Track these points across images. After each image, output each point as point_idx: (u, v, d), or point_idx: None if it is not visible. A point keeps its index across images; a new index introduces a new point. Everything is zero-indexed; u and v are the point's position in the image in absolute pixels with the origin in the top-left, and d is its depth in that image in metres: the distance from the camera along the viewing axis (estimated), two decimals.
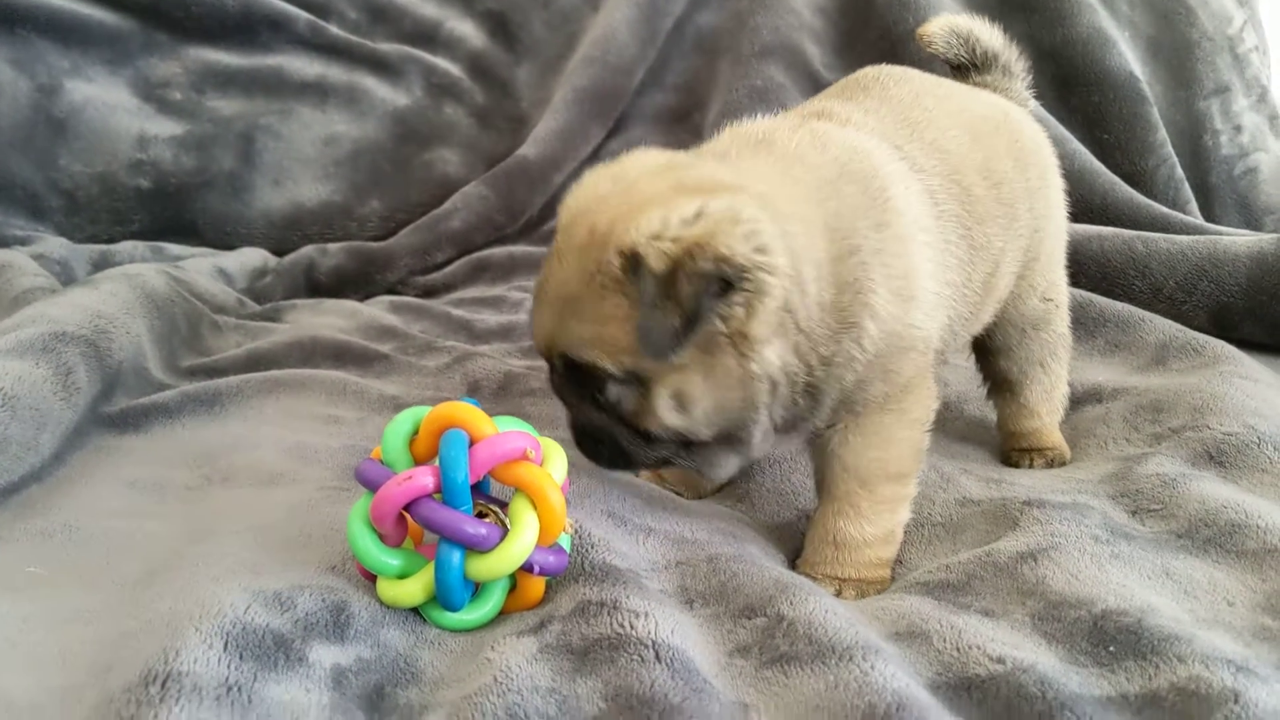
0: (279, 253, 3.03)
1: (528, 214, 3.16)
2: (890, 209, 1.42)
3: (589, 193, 1.37)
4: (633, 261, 1.23)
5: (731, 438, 1.37)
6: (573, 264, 1.30)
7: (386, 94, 3.32)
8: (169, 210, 3.10)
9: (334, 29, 3.35)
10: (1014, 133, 1.76)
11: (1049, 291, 1.87)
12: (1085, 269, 2.55)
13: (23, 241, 2.90)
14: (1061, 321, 1.91)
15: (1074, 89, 3.15)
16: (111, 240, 3.03)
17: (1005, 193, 1.66)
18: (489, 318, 2.57)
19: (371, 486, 1.27)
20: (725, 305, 1.24)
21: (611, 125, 3.29)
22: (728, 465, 1.43)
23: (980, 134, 1.67)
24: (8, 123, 3.04)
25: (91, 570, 1.39)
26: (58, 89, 3.10)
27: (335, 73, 3.32)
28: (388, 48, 3.38)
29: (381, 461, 1.31)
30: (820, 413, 1.42)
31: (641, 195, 1.31)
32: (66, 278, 2.68)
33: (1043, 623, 1.28)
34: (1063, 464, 1.89)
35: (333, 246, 2.96)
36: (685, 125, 3.33)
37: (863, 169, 1.44)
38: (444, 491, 1.22)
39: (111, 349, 1.88)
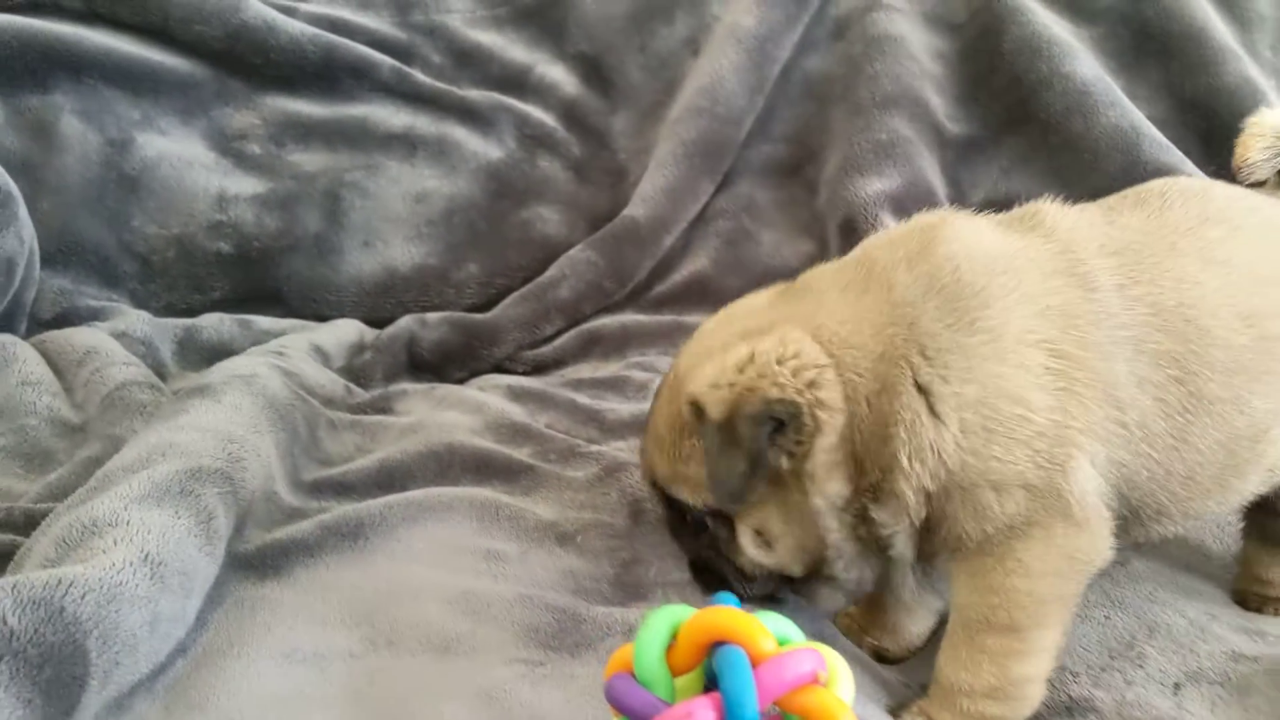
0: (372, 322, 2.80)
1: (636, 279, 2.92)
2: (978, 327, 1.28)
3: (697, 335, 1.50)
4: (698, 410, 1.31)
5: (820, 573, 1.38)
6: (663, 405, 1.43)
7: (478, 146, 3.09)
8: (252, 276, 2.86)
9: (419, 75, 3.12)
10: None
11: None
12: None
13: (97, 314, 2.67)
14: None
15: (1223, 141, 2.92)
16: (190, 310, 2.80)
17: None
18: (618, 406, 2.34)
19: (636, 717, 1.05)
20: (785, 442, 1.27)
21: (719, 180, 3.06)
22: (831, 599, 1.45)
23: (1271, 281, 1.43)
24: (76, 179, 2.81)
25: None
26: (129, 143, 2.87)
27: (423, 123, 3.08)
28: (477, 95, 3.15)
29: (634, 676, 1.09)
30: (903, 549, 1.37)
31: (710, 343, 1.41)
32: (152, 360, 2.46)
33: None
34: None
35: (432, 317, 2.73)
36: (797, 179, 3.10)
37: (958, 283, 1.31)
38: None
39: (245, 479, 1.65)
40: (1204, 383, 1.36)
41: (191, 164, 2.91)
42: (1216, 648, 1.52)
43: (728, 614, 1.06)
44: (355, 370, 2.53)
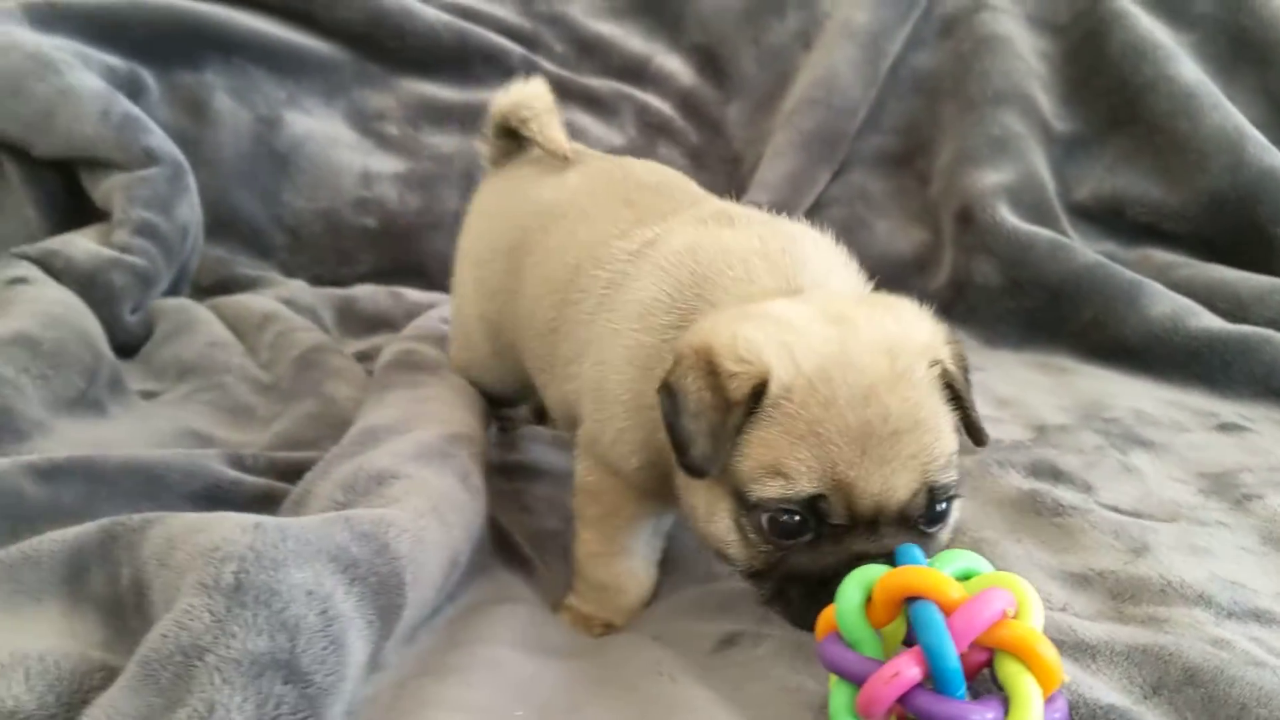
0: None
1: None
2: None
3: (817, 344, 1.25)
4: (946, 374, 1.30)
5: None
6: (897, 391, 1.23)
7: (602, 132, 3.24)
8: (396, 251, 3.01)
9: (545, 63, 3.26)
10: None
11: None
12: None
13: (254, 283, 2.82)
14: None
15: None
16: (338, 281, 2.95)
17: None
18: None
19: (850, 677, 1.16)
20: None
21: (836, 169, 3.20)
22: None
23: None
24: (230, 154, 2.96)
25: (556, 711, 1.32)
26: (278, 121, 3.02)
27: None
28: (599, 83, 3.30)
29: (840, 637, 1.19)
30: None
31: (879, 324, 1.30)
32: (317, 327, 2.60)
33: None
34: None
35: None
36: (909, 170, 3.24)
37: None
38: (936, 681, 1.10)
39: (486, 446, 1.79)
40: None
41: (336, 142, 3.06)
42: None
43: (913, 572, 1.16)
44: None
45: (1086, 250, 2.86)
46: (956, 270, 3.00)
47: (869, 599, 1.19)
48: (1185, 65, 3.11)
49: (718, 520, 1.31)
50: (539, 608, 1.63)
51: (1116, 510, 1.89)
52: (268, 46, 3.06)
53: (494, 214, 2.04)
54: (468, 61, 3.19)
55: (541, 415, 2.31)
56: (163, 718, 1.02)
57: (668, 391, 1.28)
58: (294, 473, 1.75)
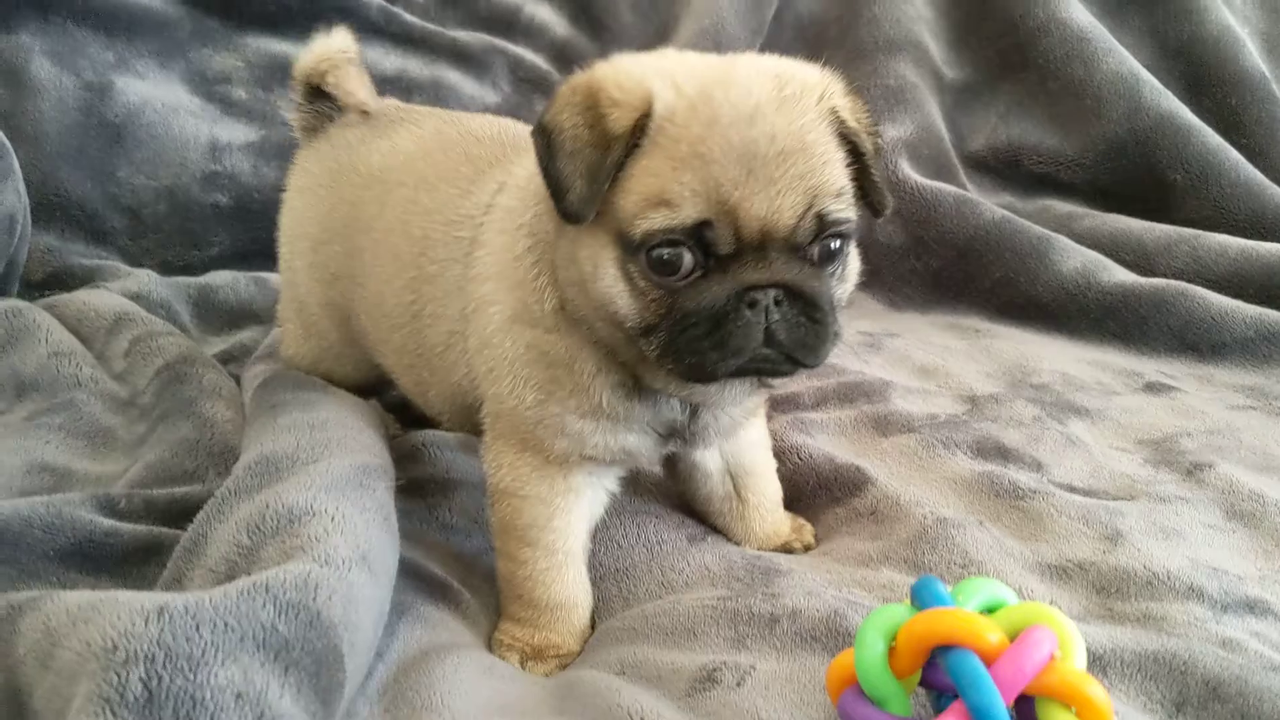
0: None
1: None
2: None
3: (701, 70, 1.25)
4: (840, 120, 1.25)
5: None
6: (783, 113, 1.20)
7: (473, 90, 2.98)
8: (253, 230, 2.69)
9: (406, 15, 2.98)
10: None
11: None
12: None
13: (92, 274, 2.48)
14: None
15: (1206, 90, 3.02)
16: (189, 267, 2.63)
17: None
18: None
19: None
20: None
21: None
22: None
23: None
24: (54, 127, 2.59)
25: None
26: (107, 88, 2.66)
27: (416, 66, 2.95)
28: (467, 36, 3.03)
29: (864, 693, 1.08)
30: None
31: (765, 60, 1.31)
32: (174, 324, 2.30)
33: None
34: None
35: None
36: None
37: None
38: None
39: (392, 474, 1.56)
40: None
41: (176, 110, 2.72)
42: None
43: (944, 616, 1.05)
44: None
45: (992, 205, 2.77)
46: (858, 229, 2.87)
47: (891, 647, 1.08)
48: (1076, 8, 3.04)
49: (603, 272, 1.24)
50: (482, 653, 1.43)
51: (1072, 489, 1.80)
52: (90, 2, 2.69)
53: (321, 189, 1.82)
54: (320, 15, 2.86)
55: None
56: None
57: (542, 132, 1.24)
58: (178, 513, 1.52)
